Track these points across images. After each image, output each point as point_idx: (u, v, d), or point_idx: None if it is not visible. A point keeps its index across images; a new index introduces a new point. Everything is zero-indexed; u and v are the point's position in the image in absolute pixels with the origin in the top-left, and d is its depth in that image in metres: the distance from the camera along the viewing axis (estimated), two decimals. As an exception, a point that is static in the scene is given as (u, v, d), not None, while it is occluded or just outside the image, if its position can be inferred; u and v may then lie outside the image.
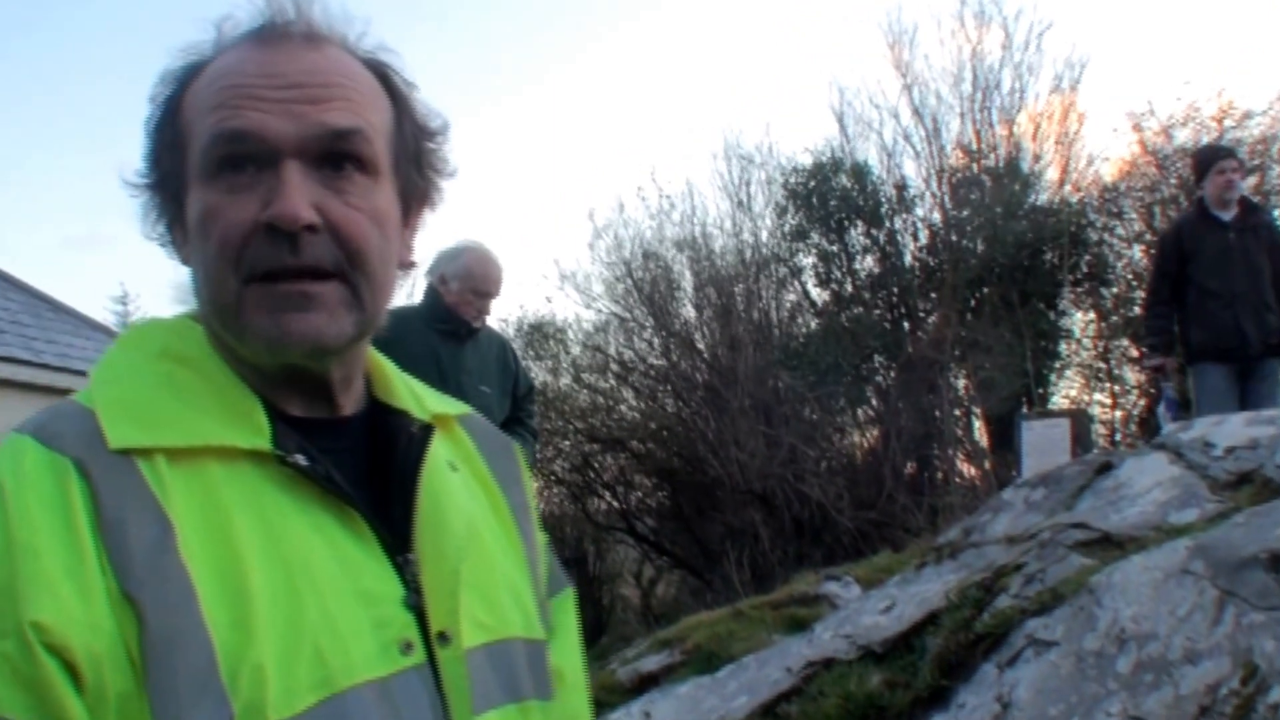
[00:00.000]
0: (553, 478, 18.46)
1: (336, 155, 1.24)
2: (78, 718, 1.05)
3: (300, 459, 1.22)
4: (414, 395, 1.43)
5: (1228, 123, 13.77)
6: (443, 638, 1.25)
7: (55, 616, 1.05)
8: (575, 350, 18.93)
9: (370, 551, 1.24)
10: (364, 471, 1.31)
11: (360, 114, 1.26)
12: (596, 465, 18.38)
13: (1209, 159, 7.98)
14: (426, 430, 1.37)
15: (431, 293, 5.84)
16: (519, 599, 1.40)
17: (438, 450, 1.37)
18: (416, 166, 1.35)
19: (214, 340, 1.29)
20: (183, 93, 1.28)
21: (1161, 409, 8.19)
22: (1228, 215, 7.69)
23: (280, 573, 1.15)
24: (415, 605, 1.24)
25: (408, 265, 1.38)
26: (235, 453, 1.20)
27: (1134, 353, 14.55)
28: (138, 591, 1.08)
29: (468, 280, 5.73)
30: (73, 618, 1.05)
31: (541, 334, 18.87)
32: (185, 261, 1.30)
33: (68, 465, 1.13)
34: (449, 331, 5.76)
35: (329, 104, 1.24)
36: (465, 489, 1.41)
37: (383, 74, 1.33)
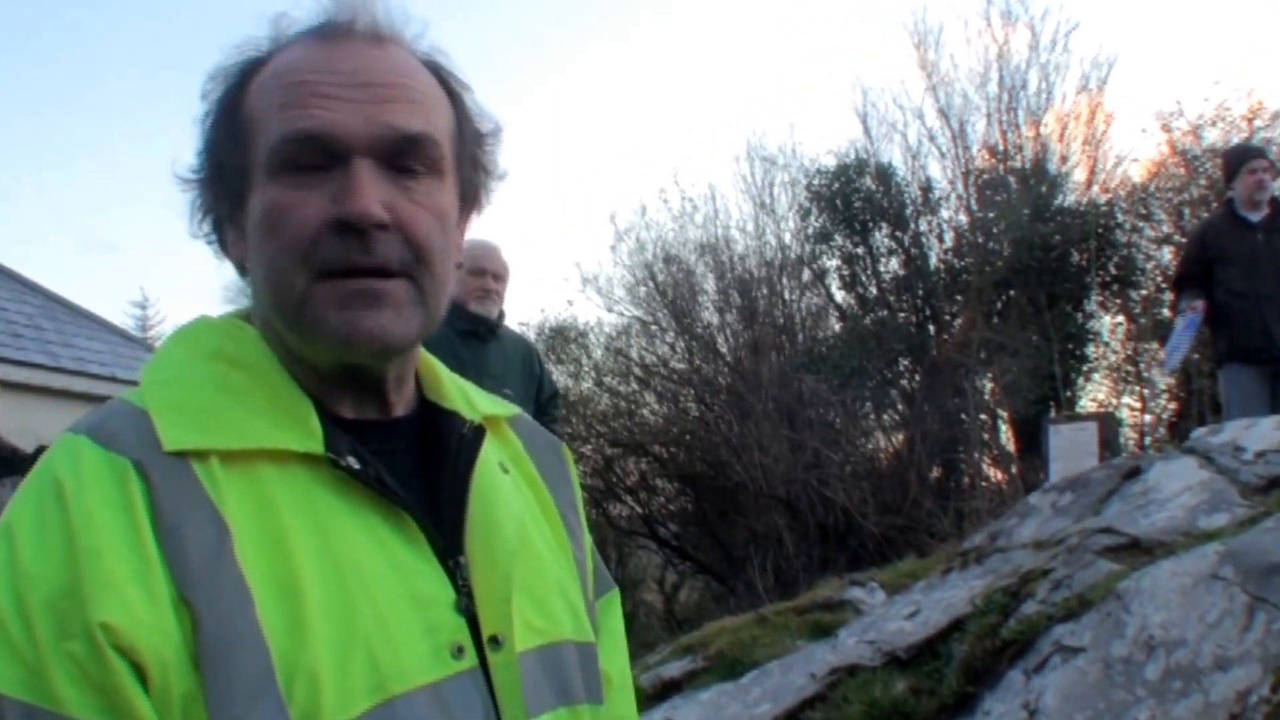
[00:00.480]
0: (574, 482, 18.44)
1: (405, 155, 1.25)
2: (147, 719, 1.05)
3: (352, 462, 1.22)
4: (464, 396, 1.43)
5: (1257, 123, 13.68)
6: (495, 641, 1.25)
7: (123, 618, 1.05)
8: (597, 354, 18.98)
9: (422, 555, 1.24)
10: (415, 473, 1.31)
11: (427, 116, 1.28)
12: (619, 470, 18.38)
13: (1239, 159, 7.93)
14: (478, 431, 1.37)
15: None
16: (569, 601, 1.40)
17: (489, 452, 1.38)
18: (473, 168, 1.37)
19: (269, 340, 1.30)
20: (244, 89, 1.29)
21: (1177, 332, 8.01)
22: (1257, 216, 7.64)
23: (333, 576, 1.16)
24: (466, 609, 1.25)
25: (458, 265, 1.38)
26: (288, 455, 1.20)
27: (1163, 356, 14.47)
28: (194, 595, 1.08)
29: (462, 264, 5.76)
30: (140, 620, 1.06)
31: (563, 337, 18.91)
32: (237, 259, 1.31)
33: (127, 466, 1.13)
34: (469, 332, 5.79)
35: (398, 104, 1.25)
36: (516, 491, 1.42)
37: (441, 75, 1.35)
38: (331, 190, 1.21)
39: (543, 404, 6.22)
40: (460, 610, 1.24)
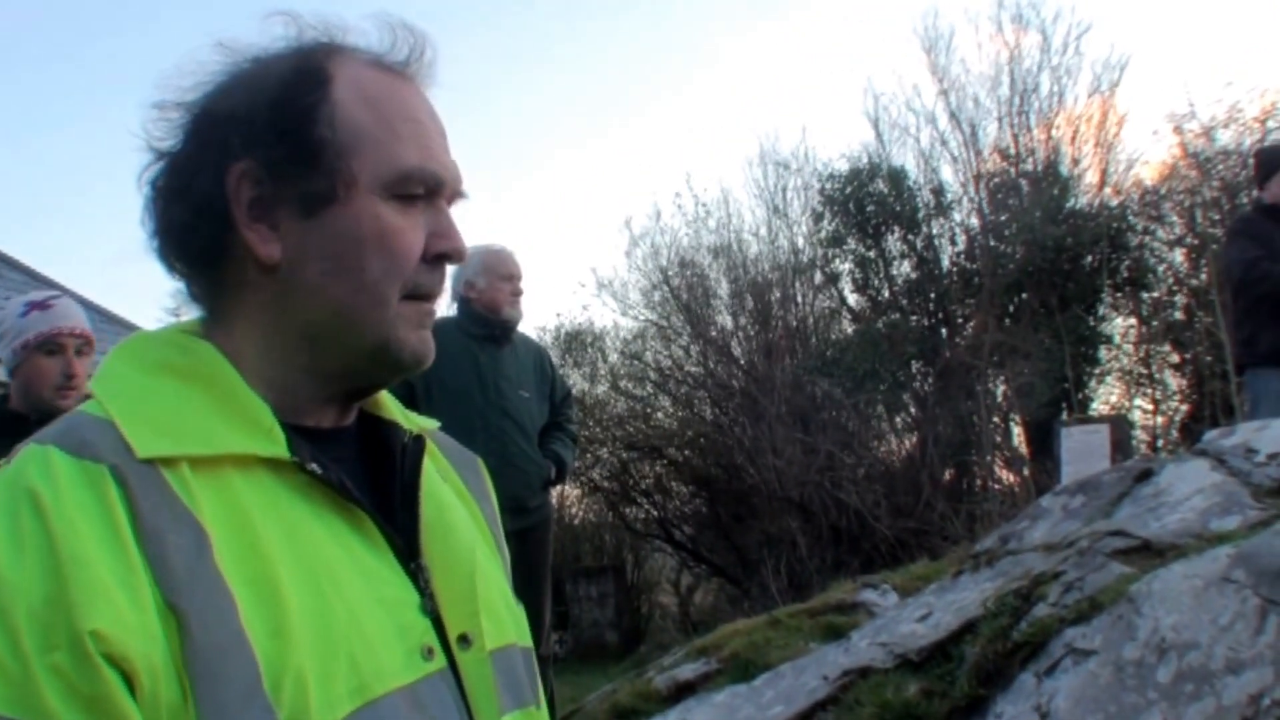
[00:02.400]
0: (590, 485, 18.49)
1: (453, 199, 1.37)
2: None
3: (315, 467, 1.24)
4: (400, 409, 1.47)
5: (1271, 124, 13.62)
6: (464, 640, 1.29)
7: (113, 625, 1.05)
8: (613, 358, 18.97)
9: (384, 559, 1.27)
10: (366, 480, 1.34)
11: None
12: (634, 473, 18.37)
13: (1275, 162, 7.77)
14: (418, 440, 1.42)
15: (463, 302, 5.94)
16: (510, 607, 1.44)
17: (429, 462, 1.43)
18: None
19: (232, 349, 1.29)
20: (328, 85, 1.29)
21: None
22: None
23: (308, 580, 1.17)
24: (431, 611, 1.28)
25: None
26: (252, 461, 1.21)
27: (1175, 358, 14.43)
28: (179, 601, 1.08)
29: (490, 271, 5.91)
30: (130, 626, 1.05)
31: (579, 342, 18.91)
32: (263, 255, 1.27)
33: (104, 472, 1.12)
34: (486, 336, 5.86)
35: (452, 154, 1.36)
36: (453, 499, 1.47)
37: None
38: (427, 224, 1.31)
39: (556, 404, 6.28)
40: (426, 612, 1.27)
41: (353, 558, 1.23)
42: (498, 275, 5.93)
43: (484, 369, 5.86)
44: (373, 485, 1.34)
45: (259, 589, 1.13)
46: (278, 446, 1.23)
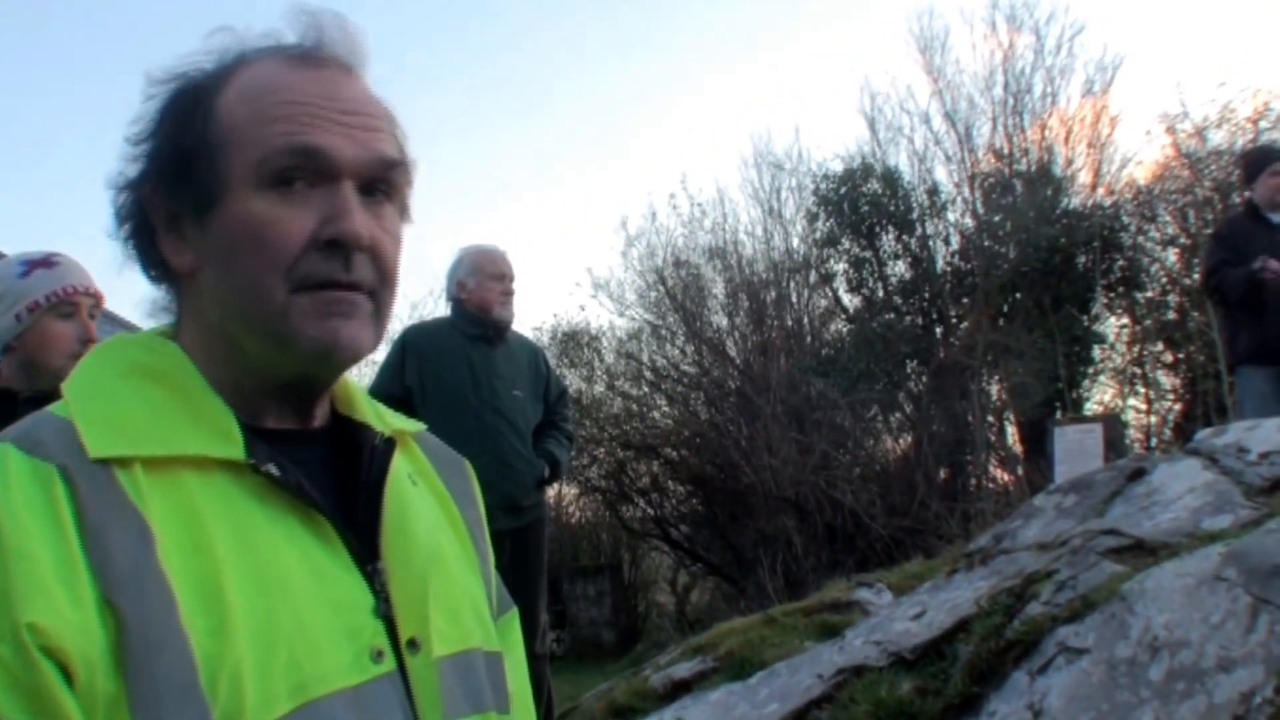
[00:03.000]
0: (587, 485, 18.52)
1: (379, 181, 1.32)
2: (74, 719, 1.07)
3: (272, 468, 1.25)
4: (375, 410, 1.47)
5: (1263, 124, 13.65)
6: (413, 645, 1.28)
7: (50, 619, 1.07)
8: (609, 358, 19.01)
9: (340, 561, 1.27)
10: (331, 482, 1.35)
11: (397, 144, 1.35)
12: (630, 472, 18.40)
13: (1261, 161, 7.82)
14: (389, 443, 1.41)
15: (455, 303, 5.97)
16: (478, 611, 1.43)
17: (399, 463, 1.42)
18: (409, 192, 1.42)
19: (194, 351, 1.32)
20: (215, 94, 1.31)
21: None
22: (1277, 217, 7.59)
23: (255, 581, 1.18)
24: (385, 614, 1.28)
25: None
26: (209, 462, 1.23)
27: (1168, 357, 14.45)
28: (119, 598, 1.10)
29: (481, 271, 5.94)
30: (67, 621, 1.08)
31: (576, 342, 18.94)
32: (182, 267, 1.32)
33: (52, 472, 1.15)
34: (479, 336, 5.89)
35: (379, 134, 1.32)
36: (425, 502, 1.46)
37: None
38: (317, 209, 1.26)
39: (551, 403, 6.29)
40: (379, 615, 1.27)
41: (307, 559, 1.24)
42: (488, 275, 5.95)
43: (477, 369, 5.88)
44: (340, 487, 1.35)
45: (203, 588, 1.15)
46: (234, 448, 1.24)
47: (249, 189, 1.26)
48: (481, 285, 5.94)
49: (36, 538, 1.10)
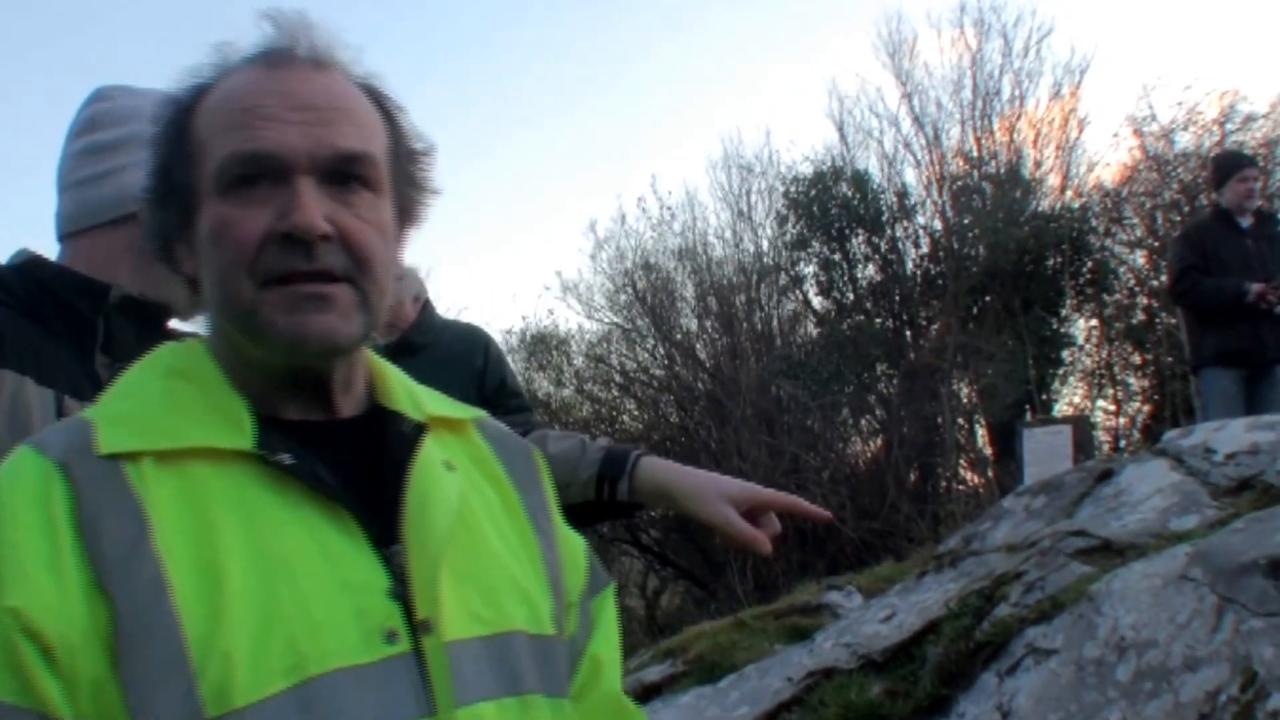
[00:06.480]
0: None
1: (345, 174, 1.33)
2: (53, 697, 1.13)
3: (285, 458, 1.27)
4: (412, 398, 1.47)
5: (1229, 125, 13.76)
6: (425, 626, 1.28)
7: (30, 602, 1.13)
8: (578, 361, 18.90)
9: (356, 544, 1.28)
10: (360, 470, 1.36)
11: (365, 136, 1.35)
12: (599, 477, 18.32)
13: (1230, 166, 7.89)
14: (419, 430, 1.42)
15: None
16: (524, 595, 1.42)
17: (432, 450, 1.41)
18: (409, 184, 1.44)
19: (216, 350, 1.38)
20: (192, 113, 1.36)
21: None
22: (1246, 222, 7.65)
23: (258, 565, 1.21)
24: (401, 596, 1.28)
25: (397, 277, 1.48)
26: (222, 454, 1.27)
27: (1136, 359, 14.53)
28: (110, 583, 1.15)
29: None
30: (47, 605, 1.14)
31: (544, 345, 18.84)
32: (189, 275, 1.39)
33: (52, 468, 1.21)
34: (398, 345, 5.74)
35: (338, 126, 1.33)
36: (466, 487, 1.44)
37: (377, 98, 1.42)
38: (275, 206, 1.29)
39: (488, 397, 5.90)
40: (394, 597, 1.27)
41: (320, 544, 1.26)
42: (411, 297, 5.90)
43: None
44: (368, 475, 1.36)
45: (202, 572, 1.18)
46: (244, 439, 1.28)
47: (214, 197, 1.31)
48: (405, 304, 5.87)
49: (26, 528, 1.17)
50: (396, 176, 1.41)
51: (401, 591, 1.28)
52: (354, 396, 1.42)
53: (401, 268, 1.47)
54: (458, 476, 1.44)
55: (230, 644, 1.16)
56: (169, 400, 1.31)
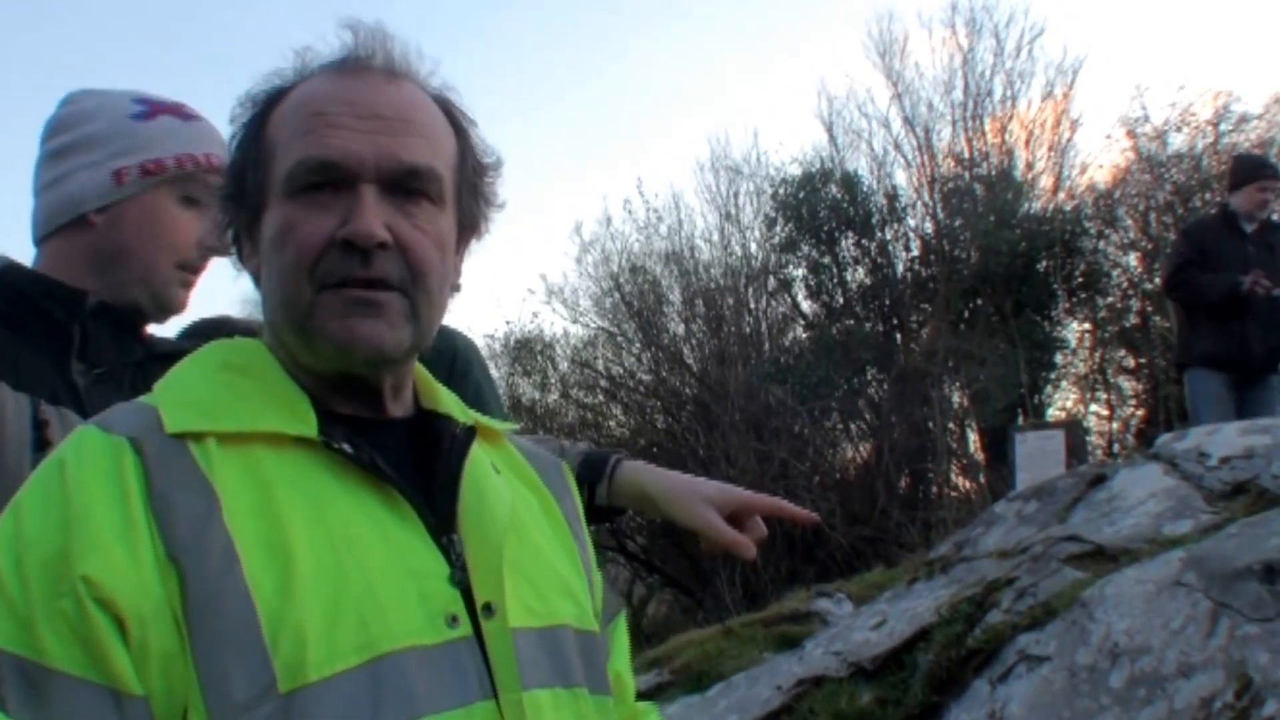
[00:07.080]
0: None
1: (408, 184, 1.37)
2: (124, 670, 1.15)
3: (346, 446, 1.32)
4: (460, 406, 1.54)
5: (1223, 126, 13.74)
6: (488, 609, 1.32)
7: (103, 572, 1.16)
8: (563, 366, 18.86)
9: (415, 531, 1.33)
10: (410, 466, 1.41)
11: (432, 149, 1.40)
12: (586, 483, 18.28)
13: (1253, 171, 7.81)
14: (470, 431, 1.48)
15: None
16: (569, 591, 1.47)
17: (480, 452, 1.48)
18: (473, 198, 1.49)
19: (274, 348, 1.43)
20: (267, 115, 1.43)
21: None
22: (1250, 227, 7.62)
23: (325, 544, 1.25)
24: (461, 583, 1.32)
25: (456, 288, 1.50)
26: (283, 439, 1.32)
27: (1129, 362, 14.51)
28: (182, 555, 1.19)
29: None
30: (120, 575, 1.16)
31: (529, 350, 18.79)
32: (252, 271, 1.45)
33: (124, 443, 1.25)
34: None
35: (405, 138, 1.38)
36: (513, 489, 1.51)
37: (448, 110, 1.48)
38: (339, 212, 1.33)
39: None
40: (455, 583, 1.31)
41: (380, 530, 1.29)
42: None
43: None
44: (419, 470, 1.41)
45: (271, 549, 1.22)
46: (307, 427, 1.33)
47: (280, 199, 1.36)
48: None
49: (99, 500, 1.20)
50: (461, 189, 1.46)
51: (461, 578, 1.32)
52: (403, 402, 1.48)
53: (459, 279, 1.52)
54: (504, 479, 1.51)
55: (302, 618, 1.19)
56: (228, 389, 1.36)
